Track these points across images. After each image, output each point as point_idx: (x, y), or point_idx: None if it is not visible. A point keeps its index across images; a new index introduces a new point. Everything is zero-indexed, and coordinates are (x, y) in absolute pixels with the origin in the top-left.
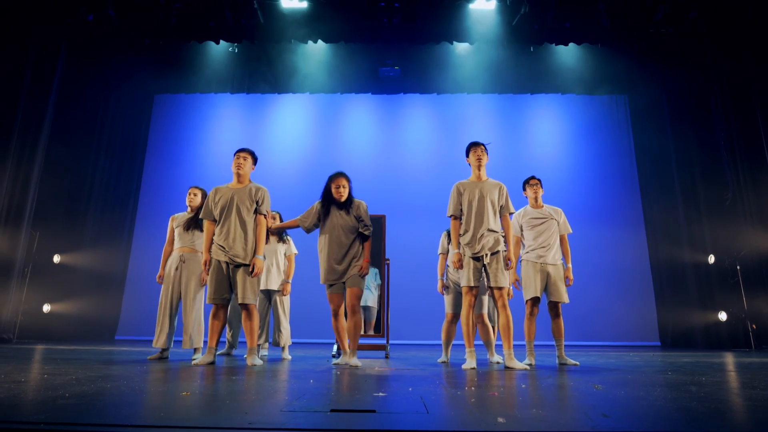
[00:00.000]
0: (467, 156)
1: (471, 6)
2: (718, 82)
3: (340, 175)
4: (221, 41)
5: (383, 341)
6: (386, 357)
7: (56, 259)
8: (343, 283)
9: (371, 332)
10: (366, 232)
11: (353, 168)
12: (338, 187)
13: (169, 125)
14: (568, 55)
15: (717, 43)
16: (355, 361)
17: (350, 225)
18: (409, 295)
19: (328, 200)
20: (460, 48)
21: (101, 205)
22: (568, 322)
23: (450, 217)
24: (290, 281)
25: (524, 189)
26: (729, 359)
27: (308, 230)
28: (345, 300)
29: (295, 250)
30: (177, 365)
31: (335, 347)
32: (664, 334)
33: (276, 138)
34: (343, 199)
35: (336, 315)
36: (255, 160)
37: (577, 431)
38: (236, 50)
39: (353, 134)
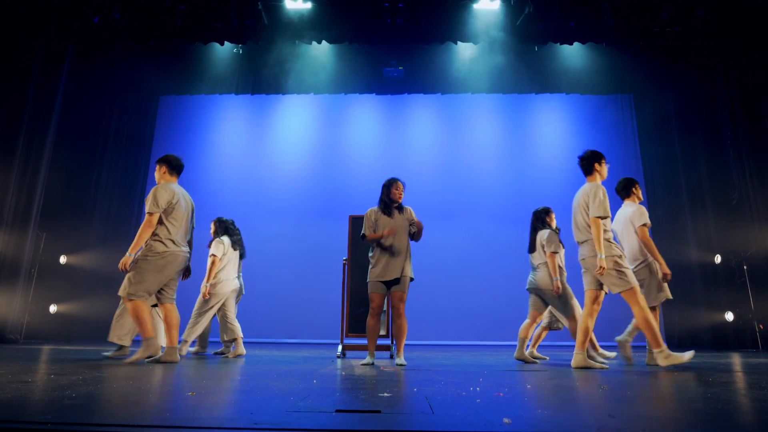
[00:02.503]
0: (600, 163)
1: (475, 6)
2: (724, 80)
3: (398, 179)
4: (226, 42)
5: (388, 341)
6: (391, 357)
7: (62, 260)
8: (388, 284)
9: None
10: (414, 229)
11: (357, 168)
12: (398, 189)
13: (174, 126)
14: (572, 54)
15: (724, 42)
16: (401, 360)
17: (404, 227)
18: (413, 296)
19: (388, 203)
20: (464, 48)
21: (107, 206)
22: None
23: (600, 218)
24: (207, 283)
25: (632, 191)
26: (736, 360)
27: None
28: (389, 301)
29: (216, 252)
30: (183, 366)
31: (340, 348)
32: (671, 335)
33: (280, 139)
34: (401, 200)
35: (375, 315)
36: (163, 165)
37: None
38: (241, 51)
39: (357, 135)
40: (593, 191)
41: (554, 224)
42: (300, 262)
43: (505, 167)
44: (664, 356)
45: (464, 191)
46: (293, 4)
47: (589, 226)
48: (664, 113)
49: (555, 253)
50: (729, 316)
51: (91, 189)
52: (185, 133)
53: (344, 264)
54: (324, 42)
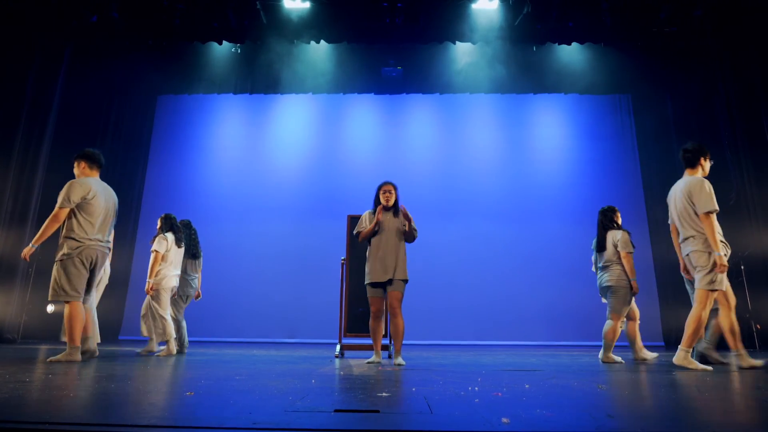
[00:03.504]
0: (705, 158)
1: (474, 6)
2: (722, 80)
3: (387, 182)
4: (224, 42)
5: (386, 341)
6: (390, 357)
7: None
8: (384, 287)
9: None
10: (415, 233)
11: (355, 168)
12: (385, 193)
13: (172, 126)
14: (570, 54)
15: (721, 42)
16: (400, 360)
17: (398, 228)
18: (412, 295)
19: (378, 206)
20: (463, 48)
21: None
22: (572, 322)
23: (710, 213)
24: (150, 279)
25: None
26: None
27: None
28: (385, 302)
29: (158, 248)
30: (182, 366)
31: (338, 347)
32: (668, 334)
33: (278, 138)
34: (391, 203)
35: (376, 317)
36: (82, 160)
37: None
38: (239, 51)
39: (356, 134)
40: (699, 184)
41: (620, 222)
42: (298, 262)
43: (504, 167)
44: (684, 356)
45: (462, 191)
46: (292, 4)
47: (693, 221)
48: (661, 113)
49: (631, 253)
50: None
51: None
52: (183, 133)
53: (342, 263)
54: (322, 41)
